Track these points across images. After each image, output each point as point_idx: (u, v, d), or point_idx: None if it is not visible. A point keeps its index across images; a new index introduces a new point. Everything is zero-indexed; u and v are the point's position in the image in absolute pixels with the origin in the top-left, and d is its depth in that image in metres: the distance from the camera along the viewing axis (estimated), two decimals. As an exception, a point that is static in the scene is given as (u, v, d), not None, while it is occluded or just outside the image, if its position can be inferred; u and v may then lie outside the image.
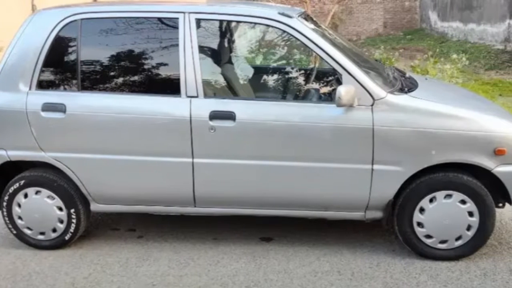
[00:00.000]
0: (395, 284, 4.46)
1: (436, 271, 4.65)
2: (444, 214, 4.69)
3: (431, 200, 4.68)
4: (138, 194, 4.92)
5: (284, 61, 6.49)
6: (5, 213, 5.07)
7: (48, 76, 4.89)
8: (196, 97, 4.70)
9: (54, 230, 5.05)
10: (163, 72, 4.90)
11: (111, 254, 5.03)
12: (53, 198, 4.99)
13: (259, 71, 6.16)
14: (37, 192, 4.99)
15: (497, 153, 4.53)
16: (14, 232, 5.11)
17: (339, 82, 4.67)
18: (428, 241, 4.77)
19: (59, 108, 4.79)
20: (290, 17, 4.73)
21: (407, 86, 4.98)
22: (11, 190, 5.00)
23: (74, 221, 5.01)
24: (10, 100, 4.86)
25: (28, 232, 5.08)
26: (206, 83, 4.81)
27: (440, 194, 4.66)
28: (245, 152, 4.72)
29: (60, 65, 4.91)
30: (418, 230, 4.75)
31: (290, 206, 4.87)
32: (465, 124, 4.54)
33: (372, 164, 4.61)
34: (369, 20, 25.97)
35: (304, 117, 4.63)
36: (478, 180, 4.65)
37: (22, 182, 4.98)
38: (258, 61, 6.95)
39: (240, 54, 6.34)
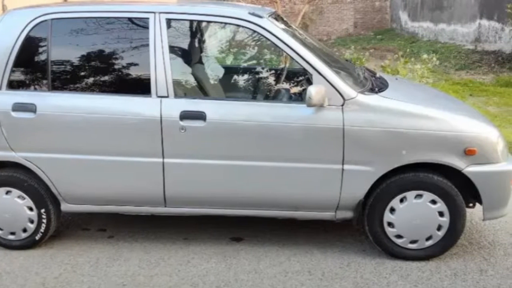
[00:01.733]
0: (366, 284, 4.24)
1: (406, 271, 4.43)
2: (415, 214, 4.48)
3: (401, 200, 4.47)
4: (108, 194, 4.66)
5: (254, 61, 6.25)
6: (-25, 214, 4.79)
7: (18, 76, 4.61)
8: (167, 97, 4.45)
9: (25, 230, 4.76)
10: (134, 72, 4.63)
11: (82, 254, 4.75)
12: (23, 198, 4.70)
13: (230, 71, 5.90)
14: (7, 192, 4.70)
15: (468, 153, 4.33)
16: (-15, 232, 4.83)
17: (309, 82, 4.43)
18: (398, 241, 4.55)
19: (30, 108, 4.51)
20: (260, 17, 4.49)
21: (378, 86, 4.75)
22: (-19, 190, 4.72)
23: (44, 221, 4.73)
24: (-20, 100, 4.59)
25: (-2, 232, 4.81)
26: (177, 83, 4.56)
27: (410, 194, 4.45)
28: (215, 152, 4.47)
29: (31, 65, 4.63)
30: (389, 230, 4.53)
31: (260, 206, 4.62)
32: (436, 124, 4.33)
33: (343, 164, 4.38)
34: (340, 20, 25.28)
35: (274, 117, 4.40)
36: (449, 180, 4.44)
37: (-8, 182, 4.71)
38: (229, 61, 6.70)
39: (210, 54, 6.08)
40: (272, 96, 5.40)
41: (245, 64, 6.31)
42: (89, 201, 4.73)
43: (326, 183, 4.45)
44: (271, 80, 5.70)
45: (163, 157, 4.48)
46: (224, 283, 4.29)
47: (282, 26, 4.66)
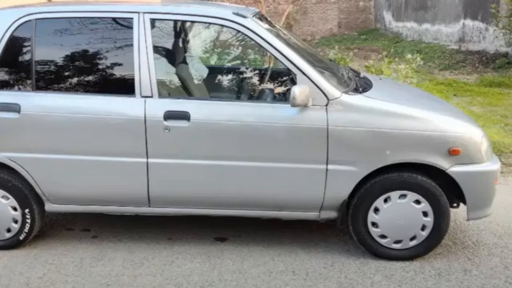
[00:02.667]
0: (350, 284, 4.08)
1: (390, 271, 4.27)
2: (399, 214, 4.33)
3: (385, 200, 4.31)
4: (92, 194, 4.48)
5: (238, 61, 6.10)
6: (-41, 214, 4.59)
7: (2, 76, 4.42)
8: (151, 97, 4.28)
9: (9, 230, 4.57)
10: (118, 72, 4.45)
11: (66, 254, 4.57)
12: (7, 198, 4.51)
13: (214, 71, 5.73)
14: (-9, 193, 4.52)
15: (452, 153, 4.19)
16: (-31, 232, 4.63)
17: (293, 82, 4.28)
18: (382, 241, 4.39)
19: (14, 108, 4.33)
20: (244, 17, 4.33)
21: (362, 86, 4.60)
22: (-35, 190, 4.52)
23: (28, 221, 4.54)
24: (-36, 100, 4.39)
25: (-18, 232, 4.60)
26: (161, 83, 4.39)
27: (394, 194, 4.30)
28: (199, 152, 4.30)
29: (15, 65, 4.44)
30: (373, 230, 4.37)
31: (244, 206, 4.45)
32: (420, 124, 4.19)
33: (327, 164, 4.22)
34: (324, 20, 24.83)
35: (258, 117, 4.24)
36: (433, 180, 4.29)
37: (-24, 182, 4.50)
38: (213, 61, 6.55)
39: (194, 54, 5.91)
40: (256, 96, 5.23)
41: (229, 64, 6.14)
42: (73, 201, 4.55)
43: (310, 183, 4.29)
44: (255, 80, 5.52)
45: (147, 157, 4.31)
46: (208, 283, 4.12)
47: (266, 26, 4.50)
